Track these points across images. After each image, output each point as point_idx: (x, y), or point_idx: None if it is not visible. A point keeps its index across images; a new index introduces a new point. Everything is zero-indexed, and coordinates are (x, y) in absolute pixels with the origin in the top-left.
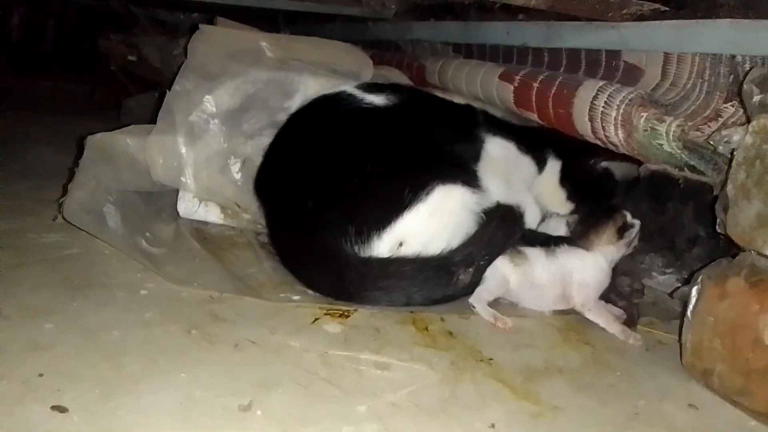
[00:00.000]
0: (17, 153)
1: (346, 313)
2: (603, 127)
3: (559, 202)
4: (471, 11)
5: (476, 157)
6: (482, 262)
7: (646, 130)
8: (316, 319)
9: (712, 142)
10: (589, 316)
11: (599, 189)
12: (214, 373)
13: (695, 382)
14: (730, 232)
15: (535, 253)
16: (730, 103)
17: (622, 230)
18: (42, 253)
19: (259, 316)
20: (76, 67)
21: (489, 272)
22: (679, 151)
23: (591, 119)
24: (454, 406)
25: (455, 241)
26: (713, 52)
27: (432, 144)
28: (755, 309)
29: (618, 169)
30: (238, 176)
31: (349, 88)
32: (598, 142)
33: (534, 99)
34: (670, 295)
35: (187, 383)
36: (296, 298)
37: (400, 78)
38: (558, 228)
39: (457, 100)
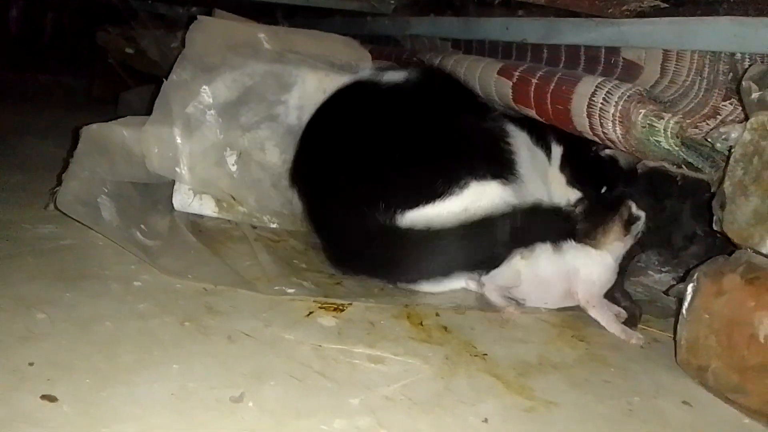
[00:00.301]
0: (15, 146)
1: (340, 307)
2: (601, 124)
3: (560, 188)
4: (470, 7)
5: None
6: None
7: (644, 127)
8: (311, 313)
9: (709, 139)
10: (592, 313)
11: (602, 175)
12: (208, 365)
13: (690, 380)
14: (726, 229)
15: (541, 248)
16: (729, 101)
17: (629, 224)
18: (36, 243)
19: (254, 308)
20: (74, 61)
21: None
22: (677, 148)
23: (589, 115)
24: (447, 400)
25: None
26: (713, 50)
27: (463, 129)
28: (751, 306)
29: (622, 156)
30: (234, 168)
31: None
32: (596, 139)
33: (532, 95)
34: (666, 292)
35: (180, 375)
36: (291, 291)
37: None
38: None
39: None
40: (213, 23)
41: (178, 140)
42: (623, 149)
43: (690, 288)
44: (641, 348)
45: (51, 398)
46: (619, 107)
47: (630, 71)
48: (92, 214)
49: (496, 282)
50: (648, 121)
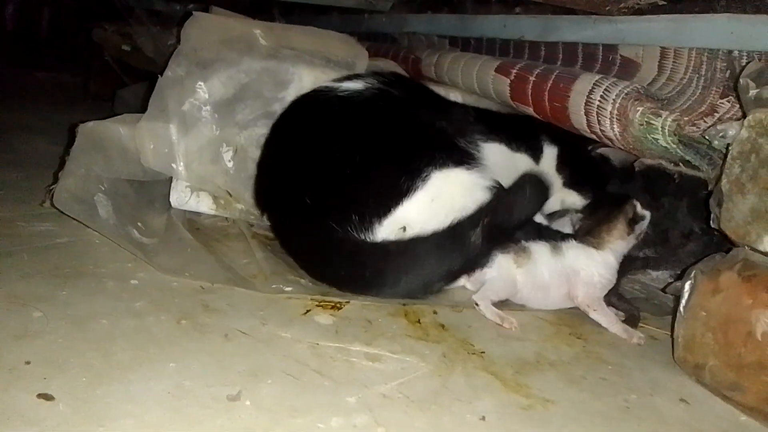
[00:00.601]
0: (11, 143)
1: (338, 305)
2: (599, 121)
3: (557, 188)
4: (468, 4)
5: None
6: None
7: (641, 125)
8: (308, 311)
9: (707, 137)
10: (593, 316)
11: (597, 175)
12: (204, 363)
13: (687, 377)
14: (723, 226)
15: (539, 250)
16: (726, 99)
17: (633, 223)
18: (32, 241)
19: (251, 306)
20: (70, 58)
21: (494, 272)
22: (674, 146)
23: (587, 113)
24: (444, 398)
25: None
26: (710, 47)
27: (421, 127)
28: (748, 303)
29: (616, 155)
30: (230, 165)
31: (326, 82)
32: (594, 137)
33: (530, 92)
34: (663, 290)
35: (176, 373)
36: (288, 289)
37: (396, 70)
38: (561, 224)
39: (452, 96)
40: (208, 19)
41: (174, 136)
42: (621, 147)
43: (687, 285)
44: (638, 346)
45: (47, 396)
46: (617, 105)
47: (627, 69)
48: (88, 212)
49: (487, 296)
50: (645, 119)
